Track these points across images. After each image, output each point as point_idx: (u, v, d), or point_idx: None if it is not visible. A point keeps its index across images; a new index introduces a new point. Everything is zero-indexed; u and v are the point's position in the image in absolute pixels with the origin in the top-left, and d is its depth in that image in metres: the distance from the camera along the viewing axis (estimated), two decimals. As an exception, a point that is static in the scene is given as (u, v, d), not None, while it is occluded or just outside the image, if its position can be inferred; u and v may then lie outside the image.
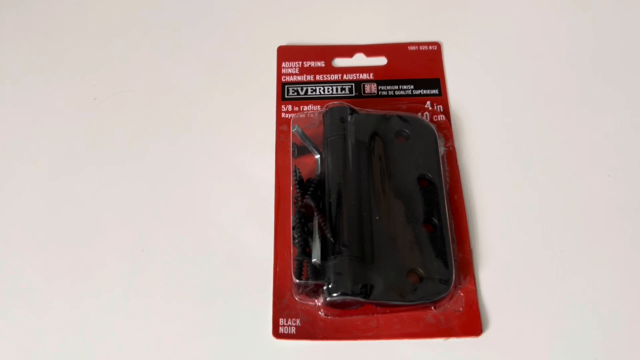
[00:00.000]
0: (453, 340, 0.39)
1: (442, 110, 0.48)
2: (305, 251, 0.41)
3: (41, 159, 0.47)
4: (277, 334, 0.40)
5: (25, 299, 0.42)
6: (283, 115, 0.48)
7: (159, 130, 0.48)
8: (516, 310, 0.40)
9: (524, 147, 0.47)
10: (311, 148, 0.45)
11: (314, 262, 0.40)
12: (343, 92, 0.49)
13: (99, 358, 0.40)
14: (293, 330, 0.40)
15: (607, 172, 0.45)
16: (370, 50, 0.51)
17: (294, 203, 0.43)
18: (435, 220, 0.42)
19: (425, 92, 0.49)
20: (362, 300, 0.39)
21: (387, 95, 0.49)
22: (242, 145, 0.47)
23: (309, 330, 0.40)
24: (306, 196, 0.42)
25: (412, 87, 0.49)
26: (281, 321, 0.40)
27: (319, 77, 0.50)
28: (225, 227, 0.44)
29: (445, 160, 0.46)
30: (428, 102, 0.48)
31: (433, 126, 0.46)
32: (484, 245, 0.43)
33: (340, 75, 0.50)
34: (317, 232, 0.41)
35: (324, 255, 0.40)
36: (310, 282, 0.40)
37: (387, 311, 0.40)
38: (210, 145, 0.47)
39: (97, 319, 0.41)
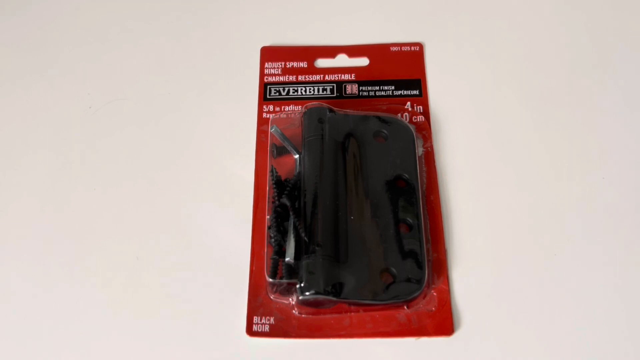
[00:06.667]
0: (424, 340, 0.40)
1: (421, 111, 0.48)
2: (280, 250, 0.41)
3: (36, 167, 0.47)
4: (250, 331, 0.40)
5: (17, 304, 0.42)
6: (264, 115, 0.48)
7: (153, 136, 0.48)
8: (488, 310, 0.41)
9: (502, 149, 0.47)
10: (290, 148, 0.45)
11: (288, 261, 0.40)
12: (324, 92, 0.49)
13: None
14: (267, 328, 0.40)
15: (586, 173, 0.46)
16: (353, 50, 0.51)
17: (272, 202, 0.43)
18: (411, 220, 0.43)
19: (405, 92, 0.49)
20: (334, 299, 0.39)
21: (368, 96, 0.49)
22: (222, 144, 0.48)
23: (283, 329, 0.40)
24: (282, 196, 0.43)
25: (392, 87, 0.49)
26: (255, 319, 0.40)
27: (301, 78, 0.50)
28: (204, 226, 0.44)
29: (423, 160, 0.46)
30: (408, 103, 0.49)
31: (412, 127, 0.47)
32: (458, 245, 0.43)
33: (322, 75, 0.50)
34: (291, 232, 0.41)
35: (298, 255, 0.40)
36: (284, 281, 0.40)
37: (360, 310, 0.40)
38: (190, 145, 0.48)
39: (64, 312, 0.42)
